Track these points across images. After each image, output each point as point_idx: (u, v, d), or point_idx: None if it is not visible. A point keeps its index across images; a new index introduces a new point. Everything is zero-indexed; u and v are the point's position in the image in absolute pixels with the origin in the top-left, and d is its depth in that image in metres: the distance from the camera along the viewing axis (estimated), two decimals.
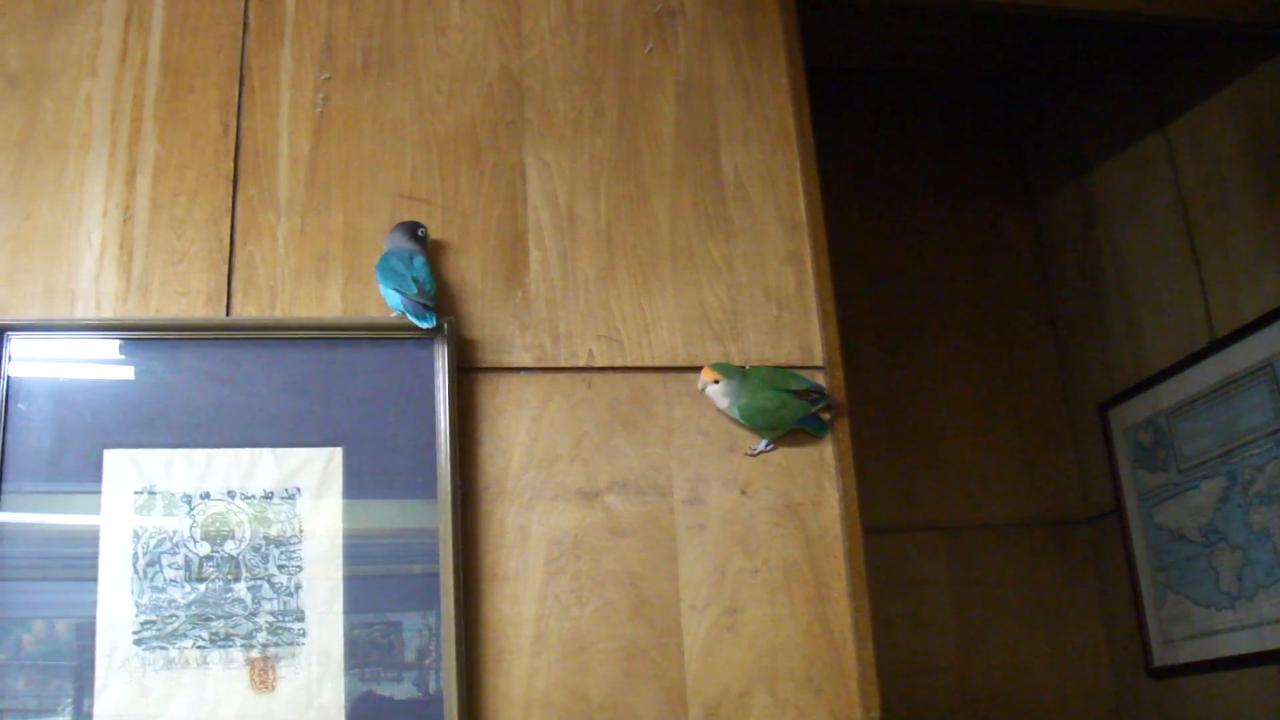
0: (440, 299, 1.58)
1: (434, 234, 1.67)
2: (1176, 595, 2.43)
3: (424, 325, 1.52)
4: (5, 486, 1.44)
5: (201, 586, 1.47)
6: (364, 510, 1.51)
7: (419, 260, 1.55)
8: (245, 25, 1.68)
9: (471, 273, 1.66)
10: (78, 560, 1.45)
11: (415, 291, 1.51)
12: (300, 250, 1.62)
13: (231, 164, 1.63)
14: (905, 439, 2.65)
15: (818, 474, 1.64)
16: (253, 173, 1.64)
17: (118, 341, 1.54)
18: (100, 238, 1.59)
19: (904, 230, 2.80)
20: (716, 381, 1.60)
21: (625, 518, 1.58)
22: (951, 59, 2.92)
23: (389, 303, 1.56)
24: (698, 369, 1.65)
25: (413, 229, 1.60)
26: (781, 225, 1.76)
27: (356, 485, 1.51)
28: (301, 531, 1.49)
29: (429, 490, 1.51)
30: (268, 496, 1.50)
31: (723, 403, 1.62)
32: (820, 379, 1.69)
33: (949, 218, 2.86)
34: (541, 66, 1.77)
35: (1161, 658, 2.46)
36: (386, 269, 1.55)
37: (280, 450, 1.50)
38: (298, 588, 1.47)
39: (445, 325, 1.56)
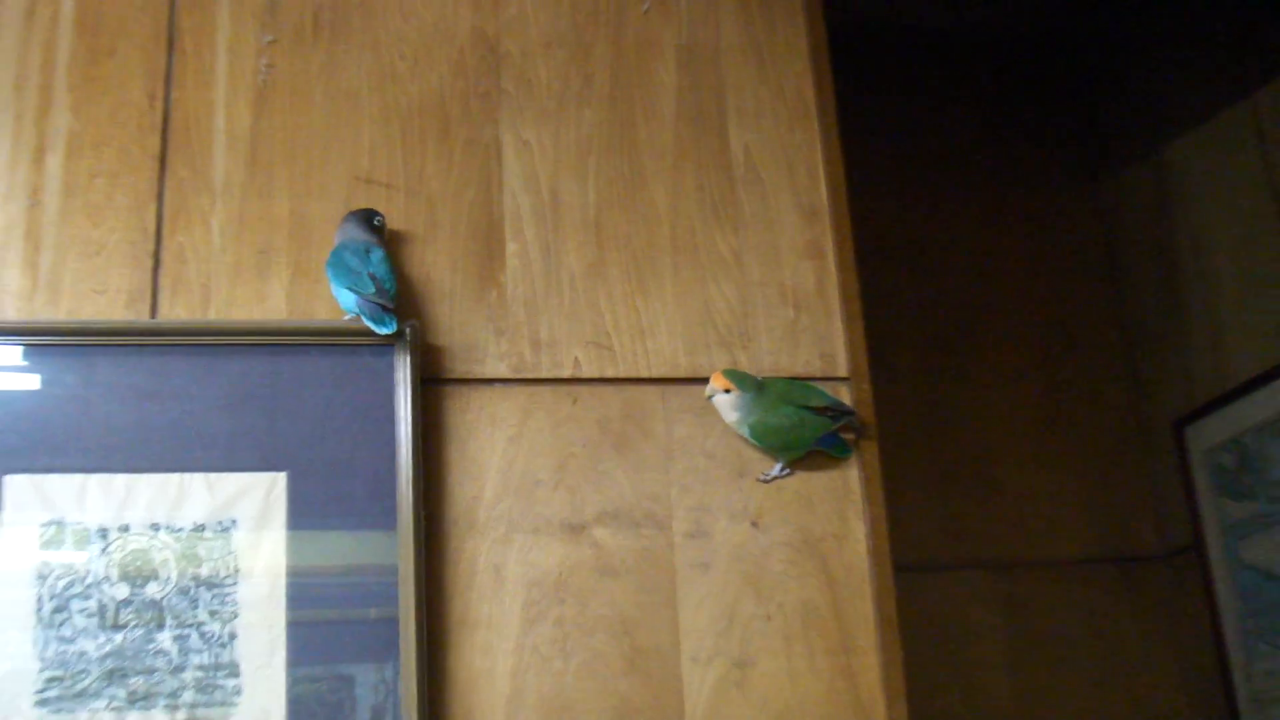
0: (401, 299, 1.54)
1: (394, 223, 1.63)
2: (1268, 647, 2.36)
3: (383, 330, 1.47)
4: None
5: (118, 636, 1.41)
6: (312, 545, 1.48)
7: (377, 254, 1.51)
8: None
9: (438, 269, 1.62)
10: None
11: (373, 291, 1.47)
12: (238, 242, 1.58)
13: (158, 140, 1.60)
14: (948, 462, 2.57)
15: (841, 503, 1.61)
16: (183, 151, 1.60)
17: (21, 347, 1.49)
18: (2, 227, 1.55)
19: (946, 217, 2.72)
20: (728, 391, 1.56)
21: (617, 554, 1.54)
22: (1002, 14, 2.83)
23: (342, 304, 1.51)
24: (701, 380, 1.62)
25: (368, 217, 1.55)
26: (799, 212, 1.72)
27: (303, 516, 1.48)
28: (238, 570, 1.45)
29: (387, 521, 1.48)
30: (199, 530, 1.46)
31: (731, 416, 1.57)
32: (844, 393, 1.65)
33: (1000, 202, 2.78)
34: (521, 28, 1.73)
35: None
36: (339, 264, 1.50)
37: (214, 476, 1.48)
38: (232, 637, 1.42)
39: (407, 330, 1.52)
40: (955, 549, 2.51)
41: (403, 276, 1.60)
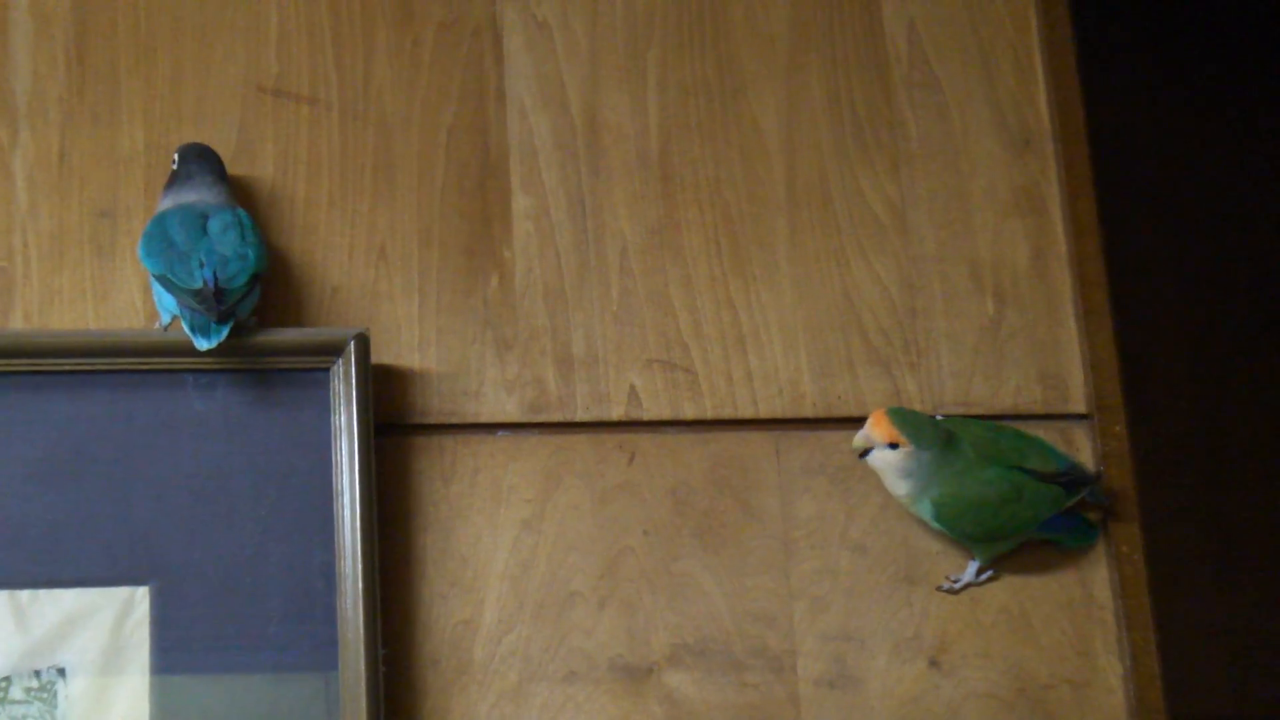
0: (335, 298, 1.31)
1: (320, 163, 1.39)
2: None
3: (203, 344, 1.26)
4: None
5: None
6: (193, 700, 1.22)
7: (222, 219, 1.29)
8: None
9: (398, 240, 1.39)
10: None
11: (199, 287, 1.25)
12: (61, 199, 1.35)
13: None
14: (1250, 547, 2.17)
15: (1082, 628, 1.35)
16: None
17: None
18: None
19: (1247, 140, 2.33)
20: (895, 445, 1.29)
21: (706, 716, 1.29)
22: None
23: (158, 306, 1.32)
24: (842, 423, 1.34)
25: (213, 160, 1.34)
26: (1001, 138, 1.48)
27: (178, 654, 1.23)
28: None
29: (320, 661, 1.24)
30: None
31: (900, 487, 1.31)
32: (1082, 440, 1.39)
33: None
34: None
35: None
36: (155, 240, 1.30)
37: (27, 595, 1.23)
38: None
39: (351, 345, 1.27)
40: (1268, 698, 2.07)
41: (332, 253, 1.35)
